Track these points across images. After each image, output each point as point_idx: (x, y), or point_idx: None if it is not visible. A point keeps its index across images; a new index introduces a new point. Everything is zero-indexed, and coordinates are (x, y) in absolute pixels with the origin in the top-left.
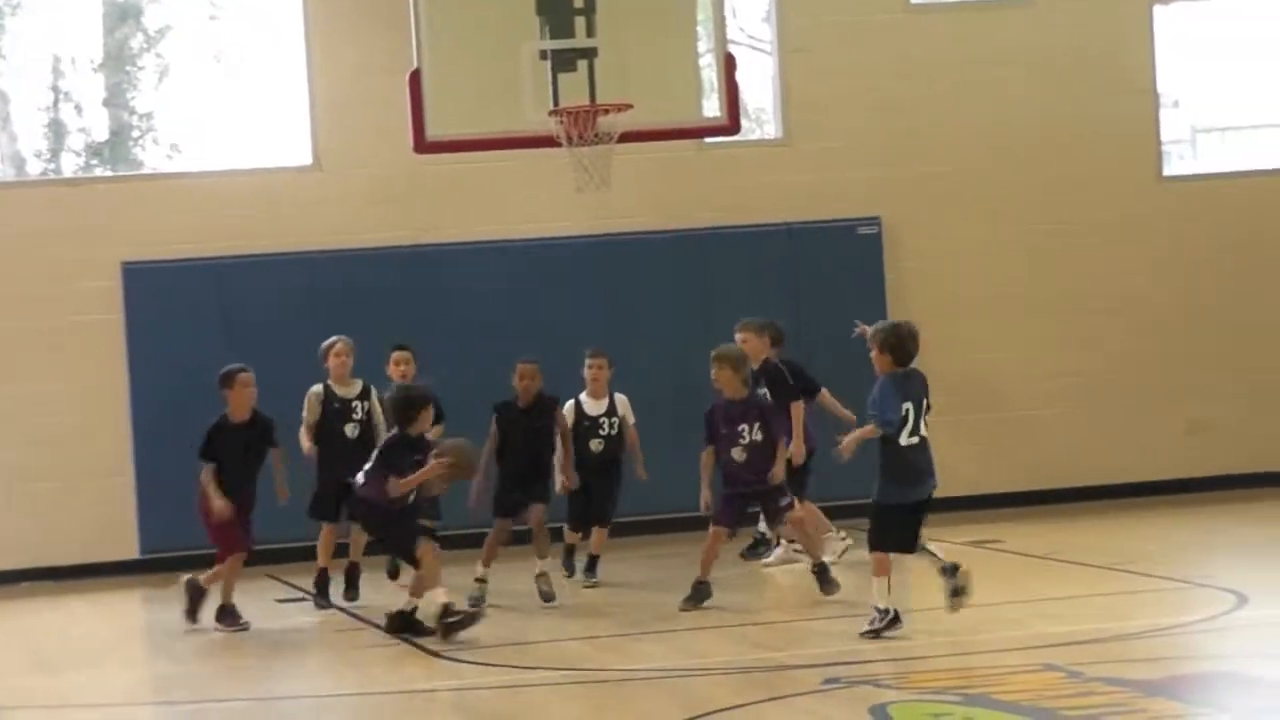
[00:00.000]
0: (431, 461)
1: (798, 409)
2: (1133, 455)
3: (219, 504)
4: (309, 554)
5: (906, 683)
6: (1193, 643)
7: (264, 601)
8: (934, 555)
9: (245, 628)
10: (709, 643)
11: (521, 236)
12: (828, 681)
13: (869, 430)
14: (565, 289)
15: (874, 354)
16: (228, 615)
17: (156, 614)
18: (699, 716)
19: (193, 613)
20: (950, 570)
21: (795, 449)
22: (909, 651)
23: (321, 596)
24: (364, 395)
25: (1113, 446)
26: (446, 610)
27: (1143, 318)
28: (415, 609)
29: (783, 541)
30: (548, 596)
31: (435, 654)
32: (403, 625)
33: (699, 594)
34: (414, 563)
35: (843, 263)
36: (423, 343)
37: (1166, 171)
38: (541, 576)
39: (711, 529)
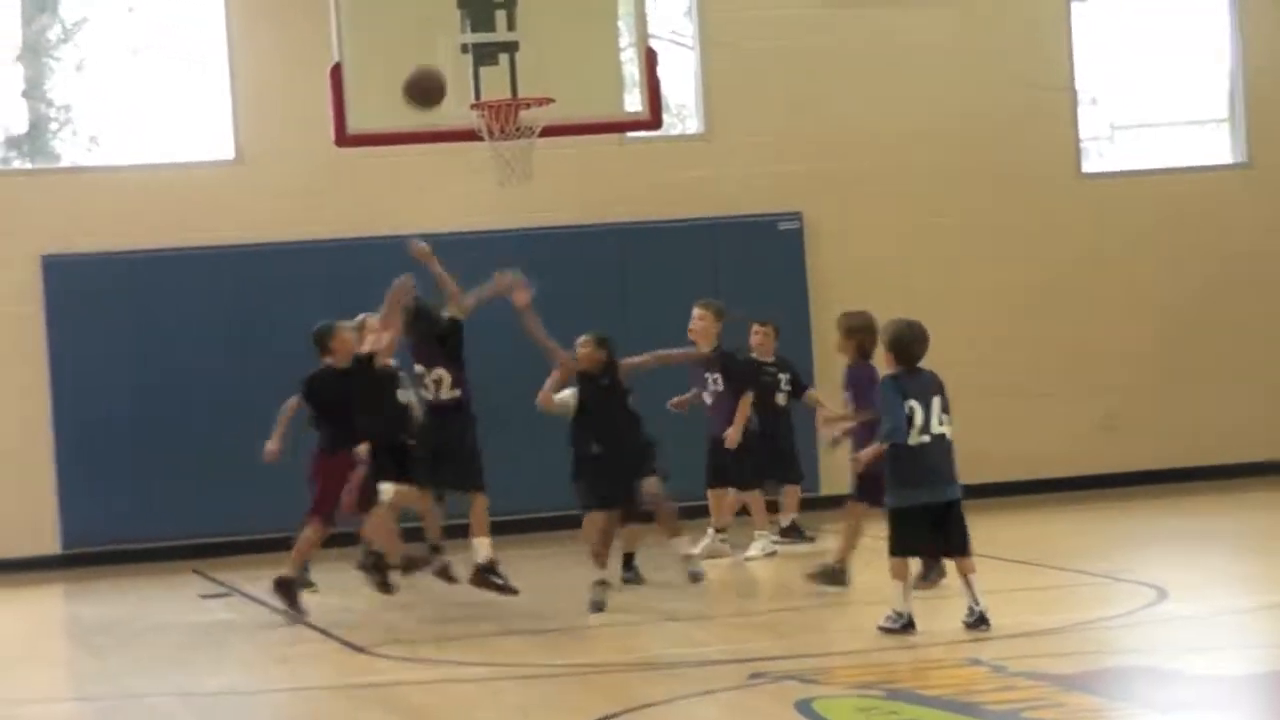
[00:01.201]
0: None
1: (746, 399)
2: (1053, 450)
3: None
4: (234, 549)
5: (832, 678)
6: (1113, 637)
7: (188, 597)
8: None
9: (304, 614)
10: (635, 638)
11: (444, 230)
12: (754, 676)
13: (880, 448)
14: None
15: (881, 352)
16: (286, 589)
17: (78, 608)
18: (625, 711)
19: (294, 603)
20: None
21: (732, 435)
22: (834, 646)
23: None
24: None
25: (1033, 441)
26: (492, 566)
27: (1061, 313)
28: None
29: (709, 531)
30: (697, 576)
31: (360, 649)
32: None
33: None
34: (477, 488)
35: (764, 258)
36: None
37: (1085, 168)
38: (687, 559)
39: (851, 508)
